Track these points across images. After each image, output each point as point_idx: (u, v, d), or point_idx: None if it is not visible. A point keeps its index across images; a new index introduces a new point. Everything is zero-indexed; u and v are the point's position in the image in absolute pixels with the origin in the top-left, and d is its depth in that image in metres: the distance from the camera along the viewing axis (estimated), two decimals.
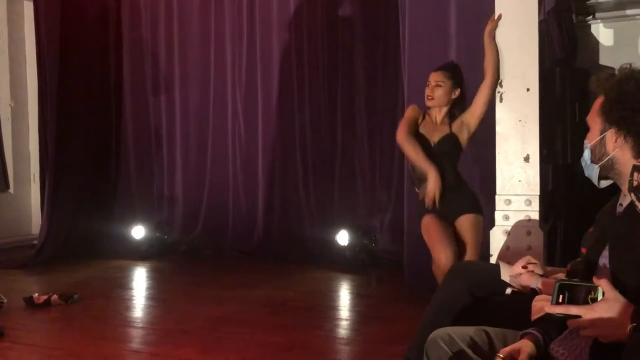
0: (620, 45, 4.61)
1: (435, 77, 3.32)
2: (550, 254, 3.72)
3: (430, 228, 3.22)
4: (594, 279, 1.32)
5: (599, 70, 4.59)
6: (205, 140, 6.44)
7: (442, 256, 3.07)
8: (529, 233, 3.17)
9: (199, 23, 6.42)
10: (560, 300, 1.34)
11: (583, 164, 1.62)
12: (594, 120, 1.57)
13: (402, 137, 3.27)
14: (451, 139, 3.30)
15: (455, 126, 3.33)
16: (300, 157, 6.11)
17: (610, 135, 1.53)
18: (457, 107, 3.37)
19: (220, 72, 6.36)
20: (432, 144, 3.29)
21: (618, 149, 1.51)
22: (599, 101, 1.57)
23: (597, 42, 4.70)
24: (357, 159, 6.02)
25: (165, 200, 6.59)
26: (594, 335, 1.30)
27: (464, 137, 3.35)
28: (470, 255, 3.19)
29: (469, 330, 1.78)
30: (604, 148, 1.54)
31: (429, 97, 3.31)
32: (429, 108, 3.40)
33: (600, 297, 1.32)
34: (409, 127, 3.28)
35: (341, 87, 6.02)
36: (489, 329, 1.79)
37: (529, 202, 3.20)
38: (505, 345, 1.70)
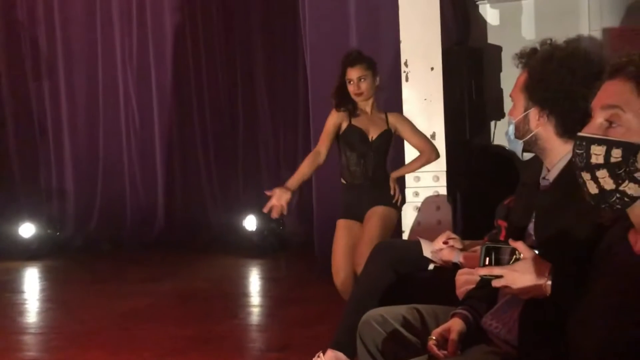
0: (505, 26, 4.87)
1: (356, 73, 3.15)
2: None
3: (336, 238, 3.16)
4: (510, 242, 1.35)
5: (491, 49, 4.74)
6: (96, 126, 6.11)
7: (336, 278, 3.06)
8: (438, 208, 3.29)
9: (82, 1, 6.03)
10: (487, 263, 1.37)
11: (507, 138, 1.66)
12: (518, 96, 1.61)
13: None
14: (388, 135, 3.23)
15: (390, 124, 3.24)
16: (201, 140, 5.97)
17: (534, 113, 1.57)
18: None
19: (109, 53, 6.04)
20: (370, 139, 3.19)
21: (541, 127, 1.56)
22: (522, 77, 1.60)
23: (485, 23, 4.93)
24: (260, 139, 5.96)
25: (55, 192, 6.21)
26: (516, 293, 1.34)
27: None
28: (364, 243, 3.02)
29: (401, 310, 1.80)
30: (528, 125, 1.58)
31: (358, 94, 3.16)
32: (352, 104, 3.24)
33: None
34: (323, 140, 3.20)
35: (240, 67, 5.92)
36: (420, 306, 1.82)
37: (436, 178, 3.31)
38: (437, 321, 1.73)
